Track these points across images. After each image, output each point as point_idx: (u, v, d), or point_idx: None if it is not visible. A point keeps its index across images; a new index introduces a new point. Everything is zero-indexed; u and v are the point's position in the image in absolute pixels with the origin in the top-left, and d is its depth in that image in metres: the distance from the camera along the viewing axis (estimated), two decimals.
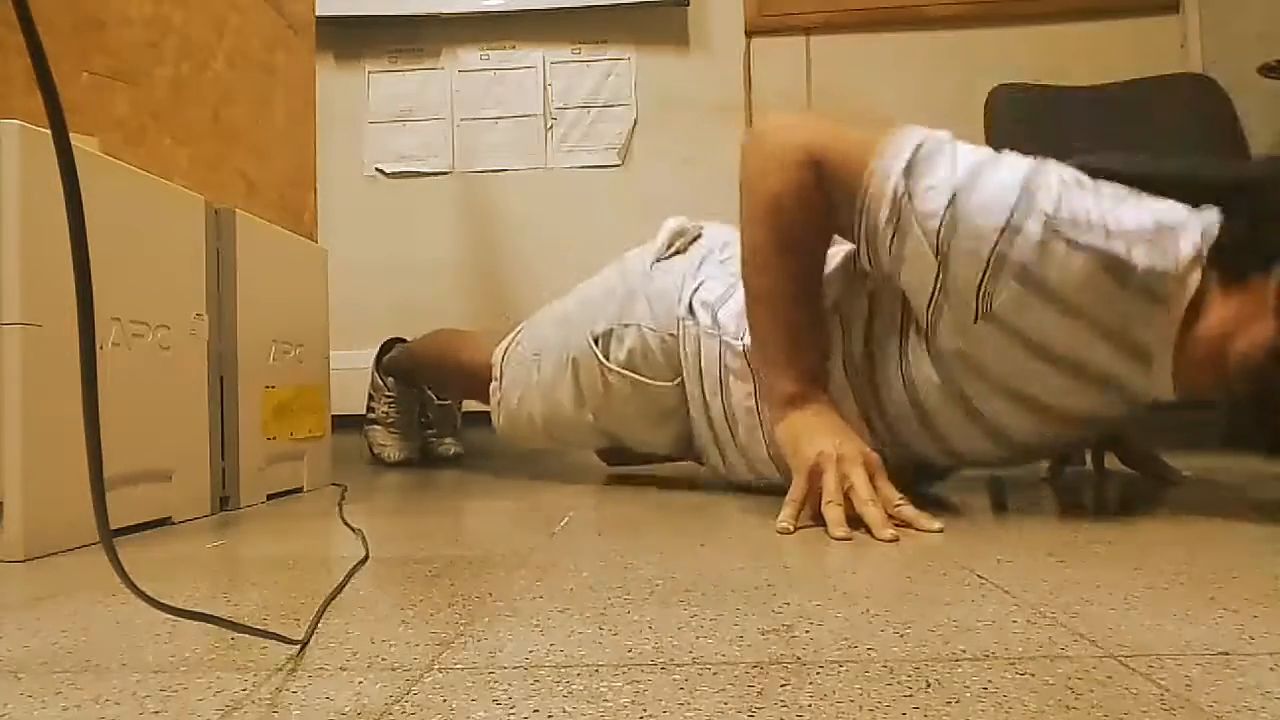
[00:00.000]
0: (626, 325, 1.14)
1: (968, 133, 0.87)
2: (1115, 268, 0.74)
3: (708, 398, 1.06)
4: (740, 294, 0.99)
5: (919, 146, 0.81)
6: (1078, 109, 1.86)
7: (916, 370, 0.88)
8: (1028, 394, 0.83)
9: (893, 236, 0.82)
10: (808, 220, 0.89)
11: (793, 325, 0.90)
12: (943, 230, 0.78)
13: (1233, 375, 0.75)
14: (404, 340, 1.73)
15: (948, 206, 0.78)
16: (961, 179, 0.78)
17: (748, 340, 0.99)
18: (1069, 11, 2.07)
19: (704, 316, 1.06)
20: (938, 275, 0.80)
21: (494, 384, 1.34)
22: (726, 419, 1.04)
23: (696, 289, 1.09)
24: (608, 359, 1.14)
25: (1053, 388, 0.81)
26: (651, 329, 1.11)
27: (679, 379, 1.10)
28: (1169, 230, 0.75)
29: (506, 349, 1.34)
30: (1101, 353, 0.78)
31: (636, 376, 1.13)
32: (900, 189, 0.80)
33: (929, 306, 0.82)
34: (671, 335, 1.10)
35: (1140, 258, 0.74)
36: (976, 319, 0.79)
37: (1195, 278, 0.74)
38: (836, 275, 0.96)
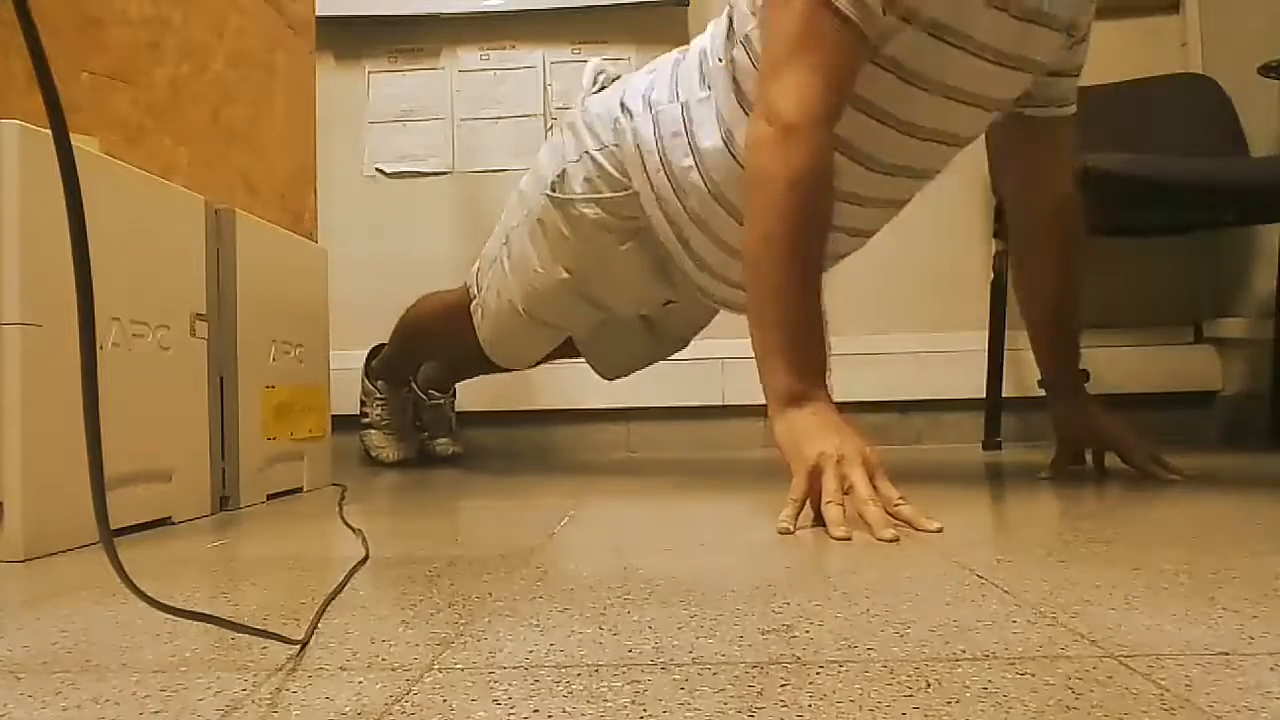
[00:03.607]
0: (576, 160, 1.19)
1: None
2: None
3: (654, 184, 1.12)
4: (667, 72, 1.13)
5: None
6: (1078, 109, 1.86)
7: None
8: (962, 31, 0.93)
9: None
10: (825, 194, 0.92)
11: (800, 317, 0.90)
12: None
13: None
14: None
15: None
16: None
17: (683, 99, 1.09)
18: None
19: (636, 104, 1.13)
20: None
21: (474, 302, 1.38)
22: (676, 194, 1.10)
23: (625, 92, 1.17)
24: (564, 195, 1.20)
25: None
26: (598, 149, 1.17)
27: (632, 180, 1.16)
28: None
29: (477, 265, 1.41)
30: None
31: (597, 195, 1.18)
32: None
33: None
34: (615, 142, 1.16)
35: None
36: None
37: None
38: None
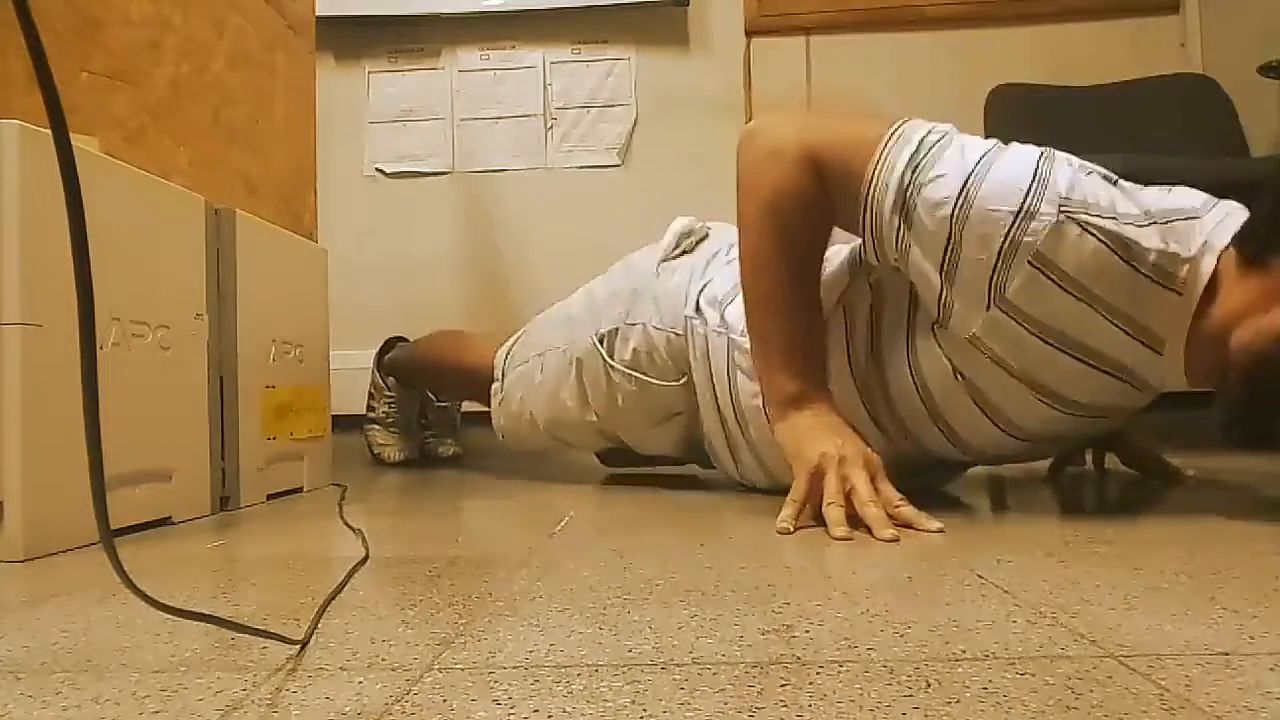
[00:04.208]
0: (632, 325, 1.13)
1: (967, 133, 0.87)
2: (1129, 251, 0.74)
3: (718, 397, 1.06)
4: None
5: (924, 137, 0.81)
6: (1078, 109, 1.86)
7: (924, 360, 0.87)
8: (1039, 381, 0.82)
9: (899, 228, 0.81)
10: (807, 219, 0.89)
11: (793, 325, 0.90)
12: (955, 219, 0.77)
13: (1233, 361, 0.74)
14: (404, 339, 1.73)
15: (960, 194, 0.77)
16: (971, 167, 0.78)
17: None
18: (1069, 11, 2.07)
19: (711, 315, 1.06)
20: (948, 264, 0.79)
21: (495, 385, 1.34)
22: (737, 419, 1.04)
23: (704, 287, 1.09)
24: (612, 358, 1.14)
25: (1064, 375, 0.81)
26: (657, 328, 1.11)
27: (684, 379, 1.10)
28: (1184, 216, 0.76)
29: (509, 350, 1.35)
30: (1114, 339, 0.78)
31: (642, 376, 1.12)
32: (907, 180, 0.80)
33: (939, 297, 0.81)
34: (678, 335, 1.09)
35: (1154, 241, 0.74)
36: (989, 306, 0.78)
37: (1210, 262, 0.74)
38: (841, 268, 0.96)
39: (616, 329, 1.15)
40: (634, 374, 1.13)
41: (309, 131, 1.42)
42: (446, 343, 1.59)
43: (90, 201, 0.34)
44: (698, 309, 1.08)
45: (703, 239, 1.18)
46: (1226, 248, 0.75)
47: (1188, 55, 1.98)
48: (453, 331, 1.64)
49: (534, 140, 2.06)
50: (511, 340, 1.36)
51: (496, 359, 1.36)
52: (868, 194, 0.83)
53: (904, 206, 0.80)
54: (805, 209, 0.88)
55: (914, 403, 0.90)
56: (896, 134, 0.83)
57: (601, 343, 1.15)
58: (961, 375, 0.85)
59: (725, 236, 1.17)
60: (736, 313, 1.02)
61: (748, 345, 0.99)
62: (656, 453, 1.23)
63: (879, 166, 0.82)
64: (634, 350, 1.13)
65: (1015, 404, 0.85)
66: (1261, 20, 1.87)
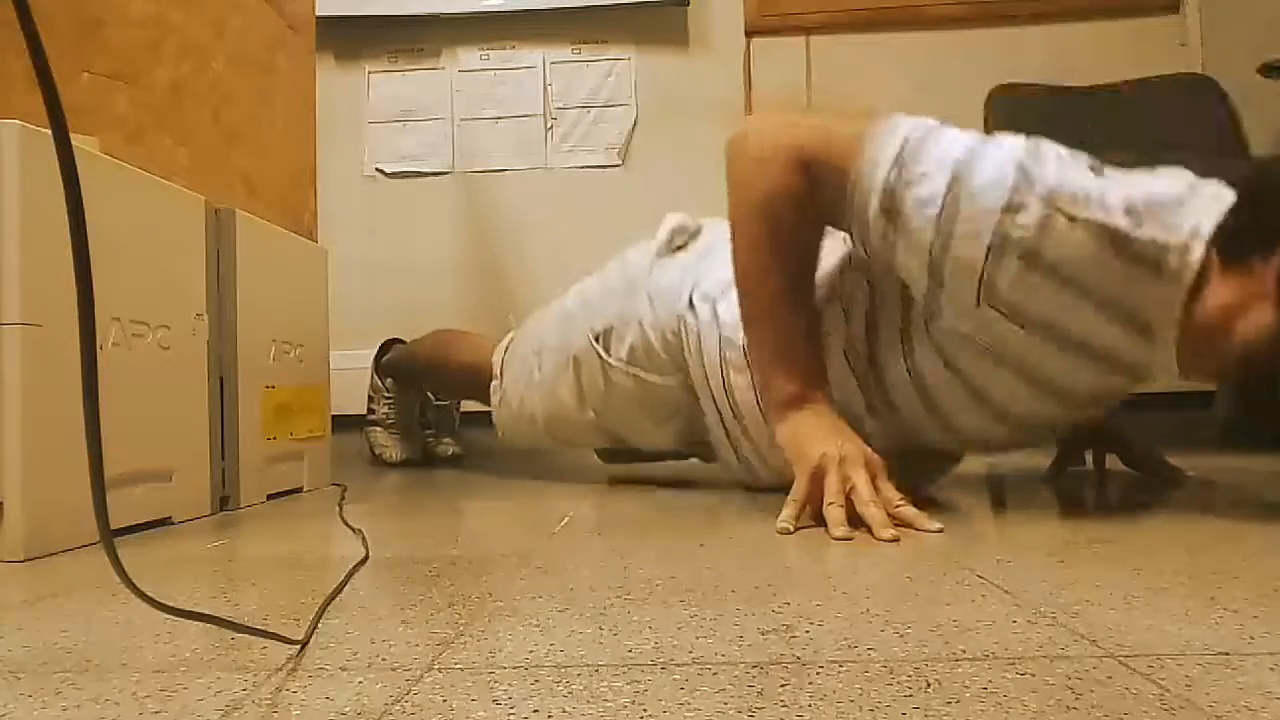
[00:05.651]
0: (627, 322, 1.13)
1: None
2: (1117, 241, 0.73)
3: (714, 392, 1.06)
4: None
5: (908, 135, 0.81)
6: (1078, 109, 1.86)
7: (919, 353, 0.88)
8: (1032, 373, 0.82)
9: (886, 226, 0.81)
10: (800, 221, 0.89)
11: (789, 325, 0.90)
12: (942, 216, 0.77)
13: (1236, 357, 0.74)
14: (402, 341, 1.73)
15: (946, 192, 0.77)
16: (957, 163, 0.77)
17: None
18: (1069, 11, 2.07)
19: (704, 310, 1.06)
20: (935, 263, 0.79)
21: (495, 383, 1.35)
22: (734, 413, 1.04)
23: (697, 283, 1.09)
24: (609, 355, 1.14)
25: (1057, 365, 0.81)
26: (653, 325, 1.11)
27: (682, 375, 1.10)
28: (1172, 204, 0.75)
29: (507, 348, 1.35)
30: (1106, 329, 0.77)
31: (639, 373, 1.12)
32: (892, 178, 0.79)
33: (927, 291, 0.81)
34: (674, 332, 1.09)
35: (1141, 231, 0.73)
36: (979, 302, 0.78)
37: (1198, 252, 0.73)
38: (837, 262, 0.97)
39: (612, 327, 1.14)
40: (632, 370, 1.13)
41: (309, 131, 1.42)
42: (445, 341, 1.59)
43: (90, 201, 0.34)
44: (691, 305, 1.08)
45: (695, 234, 1.18)
46: (1213, 241, 0.74)
47: (1188, 55, 1.98)
48: (450, 330, 1.64)
49: (534, 140, 2.06)
50: (508, 339, 1.36)
51: (495, 357, 1.36)
52: (854, 193, 0.82)
53: (890, 206, 0.80)
54: (798, 209, 0.88)
55: (909, 394, 0.90)
56: (881, 131, 0.82)
57: (598, 340, 1.15)
58: (954, 369, 0.86)
59: (717, 231, 1.15)
60: (727, 307, 1.02)
61: (738, 340, 1.00)
62: (658, 448, 1.23)
63: (864, 166, 0.81)
64: (630, 347, 1.12)
65: (1008, 393, 0.85)
66: (1261, 20, 1.87)
